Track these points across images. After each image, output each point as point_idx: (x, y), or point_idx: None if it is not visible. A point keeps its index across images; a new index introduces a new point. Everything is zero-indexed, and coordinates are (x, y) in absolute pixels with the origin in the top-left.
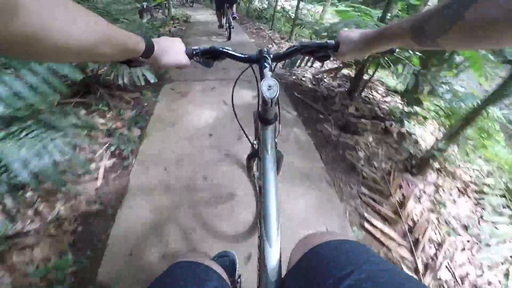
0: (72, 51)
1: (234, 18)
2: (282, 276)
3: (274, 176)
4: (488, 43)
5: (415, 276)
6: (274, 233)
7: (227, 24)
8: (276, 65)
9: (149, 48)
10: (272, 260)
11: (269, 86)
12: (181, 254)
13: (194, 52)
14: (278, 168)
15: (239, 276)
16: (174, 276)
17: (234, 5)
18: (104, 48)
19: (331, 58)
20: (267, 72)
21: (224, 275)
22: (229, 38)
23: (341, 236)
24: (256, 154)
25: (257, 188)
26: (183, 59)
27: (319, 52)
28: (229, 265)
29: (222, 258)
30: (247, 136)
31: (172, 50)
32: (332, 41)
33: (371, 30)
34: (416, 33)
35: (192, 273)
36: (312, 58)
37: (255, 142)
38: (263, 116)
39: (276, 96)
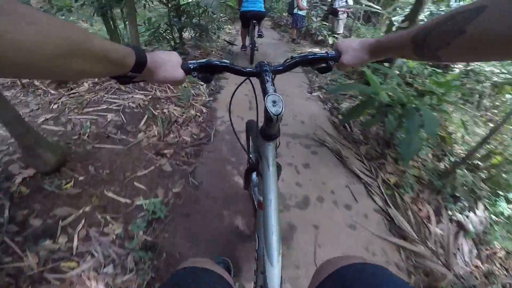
0: (38, 67)
1: (260, 36)
2: None
3: (275, 193)
4: (491, 58)
5: None
6: (275, 251)
7: (251, 46)
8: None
9: (141, 62)
10: (274, 279)
11: (274, 102)
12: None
13: (192, 67)
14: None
15: (234, 283)
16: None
17: (262, 22)
18: (76, 62)
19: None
20: (270, 86)
21: (231, 281)
22: (251, 61)
23: (363, 259)
24: (254, 169)
25: (255, 202)
26: (180, 74)
27: (320, 63)
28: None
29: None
30: (244, 149)
31: (168, 64)
32: (333, 52)
33: (371, 39)
34: (417, 45)
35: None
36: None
37: (251, 155)
38: (267, 133)
39: (282, 112)
